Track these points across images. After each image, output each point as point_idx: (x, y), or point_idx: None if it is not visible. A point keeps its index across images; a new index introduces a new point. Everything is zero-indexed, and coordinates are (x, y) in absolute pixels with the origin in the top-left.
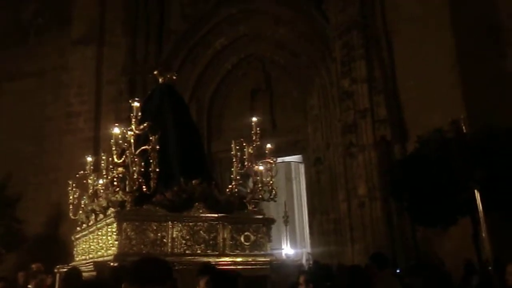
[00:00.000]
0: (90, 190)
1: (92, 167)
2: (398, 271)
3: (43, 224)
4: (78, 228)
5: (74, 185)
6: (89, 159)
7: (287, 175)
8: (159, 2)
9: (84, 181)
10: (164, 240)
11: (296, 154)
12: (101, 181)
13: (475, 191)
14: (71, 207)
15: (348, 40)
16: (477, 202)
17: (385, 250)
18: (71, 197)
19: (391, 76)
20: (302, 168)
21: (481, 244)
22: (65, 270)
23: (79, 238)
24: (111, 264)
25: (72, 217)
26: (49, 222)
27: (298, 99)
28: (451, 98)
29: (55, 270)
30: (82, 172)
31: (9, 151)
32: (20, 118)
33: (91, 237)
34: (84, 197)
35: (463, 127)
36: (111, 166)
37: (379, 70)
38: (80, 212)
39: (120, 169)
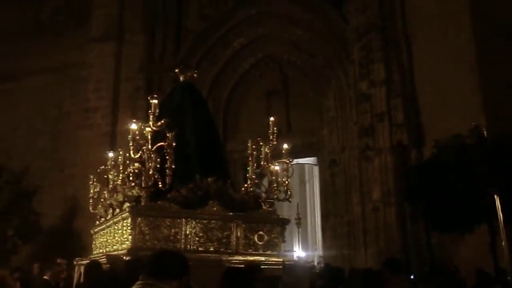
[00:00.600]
0: (110, 185)
1: (113, 162)
2: (412, 277)
3: (59, 217)
4: (97, 222)
5: (94, 179)
6: (110, 154)
7: (301, 177)
8: (178, 2)
9: (105, 176)
10: (178, 236)
11: (311, 156)
12: (119, 177)
13: (495, 197)
14: (91, 201)
15: (367, 42)
16: (497, 208)
17: (399, 255)
18: (91, 191)
19: (409, 79)
20: (316, 170)
21: (498, 252)
22: (86, 262)
23: (97, 232)
24: (124, 257)
25: (92, 211)
26: (64, 215)
27: (314, 100)
28: (469, 103)
29: (74, 263)
30: (103, 167)
31: (27, 146)
32: (38, 113)
33: (109, 231)
34: (104, 192)
35: (484, 132)
36: (127, 162)
37: (398, 74)
38: (99, 206)
39: (136, 164)
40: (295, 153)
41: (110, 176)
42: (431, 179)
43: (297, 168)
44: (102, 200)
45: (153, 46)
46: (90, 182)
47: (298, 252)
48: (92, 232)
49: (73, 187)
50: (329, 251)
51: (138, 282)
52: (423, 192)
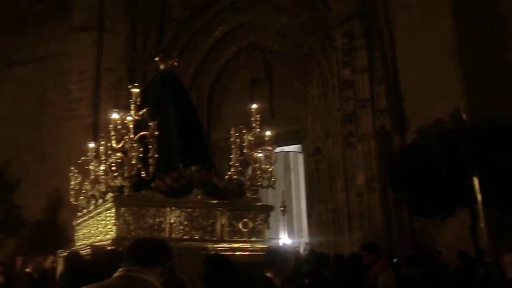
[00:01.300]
0: (92, 176)
1: (94, 153)
2: (394, 260)
3: (42, 210)
4: (79, 214)
5: (76, 171)
6: (91, 145)
7: (286, 165)
8: None
9: (86, 167)
10: (162, 225)
11: (295, 144)
12: (101, 167)
13: (474, 179)
14: (72, 192)
15: (349, 29)
16: (476, 191)
17: (383, 240)
18: (72, 183)
19: (392, 66)
20: (301, 158)
21: (478, 235)
22: (66, 253)
23: (80, 223)
24: (108, 248)
25: (74, 202)
26: (48, 208)
27: (298, 88)
28: (451, 89)
29: (58, 255)
30: (83, 158)
31: (9, 138)
32: (20, 104)
33: (91, 223)
34: (86, 183)
35: (463, 116)
36: (109, 152)
37: (380, 60)
38: (81, 197)
39: (118, 154)
40: (279, 141)
41: (91, 167)
42: (414, 165)
43: (281, 156)
44: (84, 191)
45: (136, 35)
46: (71, 174)
47: (284, 239)
48: (74, 223)
49: (57, 179)
50: (315, 237)
51: (119, 269)
52: (406, 178)
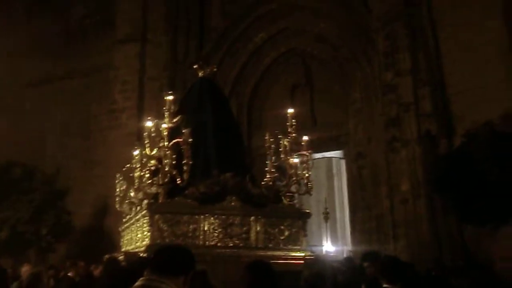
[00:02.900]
0: (136, 183)
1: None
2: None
3: (90, 216)
4: (124, 220)
5: (121, 178)
6: (135, 152)
7: (328, 171)
8: (200, 1)
9: (131, 174)
10: (196, 232)
11: (337, 150)
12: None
13: None
14: (117, 199)
15: (391, 31)
16: None
17: (430, 249)
18: (117, 190)
19: (437, 68)
20: (343, 163)
21: None
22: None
23: (124, 229)
24: (140, 254)
25: (118, 209)
26: (95, 214)
27: (339, 93)
28: (501, 91)
29: (104, 259)
30: (128, 165)
31: (59, 147)
32: (69, 116)
33: (133, 229)
34: (130, 190)
35: None
36: (144, 159)
37: (424, 62)
38: (125, 204)
39: (153, 162)
40: (321, 146)
41: (136, 174)
42: (462, 170)
43: (324, 161)
44: (128, 198)
45: (176, 46)
46: (117, 181)
47: (327, 247)
48: (120, 229)
49: (103, 187)
50: (359, 245)
51: (141, 278)
52: (453, 184)
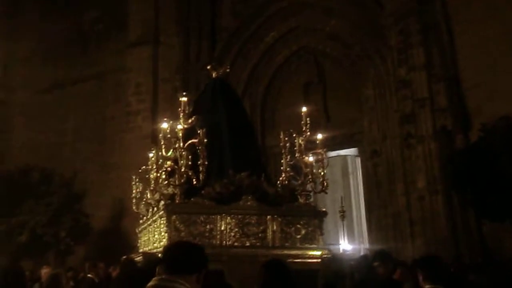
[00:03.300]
0: (152, 184)
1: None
2: None
3: (107, 218)
4: (141, 221)
5: (137, 180)
6: (151, 154)
7: (344, 169)
8: (211, 2)
9: (147, 176)
10: (213, 232)
11: (352, 147)
12: (152, 175)
13: None
14: (134, 200)
15: (404, 27)
16: None
17: (448, 246)
18: (134, 191)
19: (451, 63)
20: (358, 161)
21: None
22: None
23: (141, 231)
24: (159, 255)
25: (135, 210)
26: (112, 216)
27: (352, 90)
28: None
29: (121, 260)
30: (144, 167)
31: (76, 151)
32: (84, 119)
33: (150, 230)
34: (147, 191)
35: None
36: (160, 161)
37: (439, 57)
38: (142, 205)
39: (168, 162)
40: (335, 145)
41: (152, 176)
42: (479, 164)
43: (339, 160)
44: (144, 199)
45: (189, 47)
46: (133, 183)
47: (344, 245)
48: (137, 231)
49: (119, 189)
50: (376, 243)
51: (154, 278)
52: (470, 179)
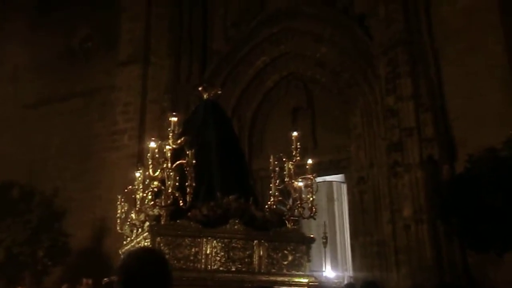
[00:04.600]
0: (138, 204)
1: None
2: None
3: (88, 238)
4: (124, 242)
5: (122, 199)
6: (138, 174)
7: (329, 195)
8: (203, 25)
9: (132, 196)
10: (198, 256)
11: (338, 173)
12: (138, 196)
13: None
14: (118, 221)
15: (393, 57)
16: None
17: (433, 275)
18: (119, 211)
19: (438, 93)
20: (344, 188)
21: None
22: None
23: (124, 252)
24: None
25: (119, 231)
26: (93, 236)
27: (340, 117)
28: (503, 116)
29: (102, 283)
30: (130, 186)
31: (58, 168)
32: (68, 136)
33: None
34: (132, 212)
35: None
36: (147, 181)
37: (426, 88)
38: (126, 226)
39: (155, 183)
40: (322, 170)
41: (137, 196)
42: (465, 195)
43: (324, 185)
44: (129, 220)
45: (179, 68)
46: (118, 202)
47: (327, 272)
48: (120, 252)
49: (101, 208)
50: (360, 271)
51: None
52: (456, 209)
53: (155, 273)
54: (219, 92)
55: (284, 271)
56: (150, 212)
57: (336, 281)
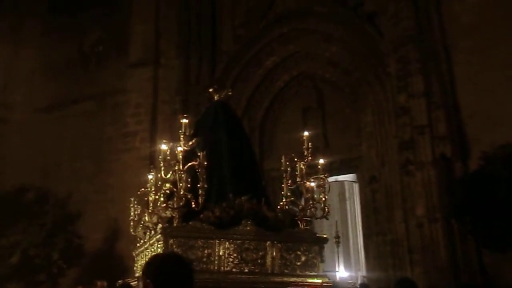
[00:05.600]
0: (150, 207)
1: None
2: None
3: (101, 240)
4: (138, 244)
5: (135, 202)
6: (150, 176)
7: (341, 195)
8: (212, 26)
9: (145, 198)
10: (211, 257)
11: (350, 173)
12: (150, 198)
13: None
14: (131, 223)
15: (404, 55)
16: None
17: (447, 275)
18: (132, 214)
19: (450, 90)
20: (356, 187)
21: None
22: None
23: (138, 254)
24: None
25: (133, 233)
26: (106, 238)
27: (351, 116)
28: None
29: (117, 285)
30: (143, 189)
31: (71, 171)
32: (81, 139)
33: (147, 253)
34: (145, 214)
35: None
36: (159, 183)
37: (438, 85)
38: (139, 228)
39: (167, 185)
40: (333, 170)
41: (150, 198)
42: (479, 193)
43: (336, 185)
44: (142, 222)
45: (189, 69)
46: (131, 205)
47: (340, 272)
48: (134, 254)
49: (114, 210)
50: (373, 271)
51: None
52: (470, 207)
53: (184, 278)
54: (230, 93)
55: (298, 272)
56: (163, 214)
57: (350, 281)
